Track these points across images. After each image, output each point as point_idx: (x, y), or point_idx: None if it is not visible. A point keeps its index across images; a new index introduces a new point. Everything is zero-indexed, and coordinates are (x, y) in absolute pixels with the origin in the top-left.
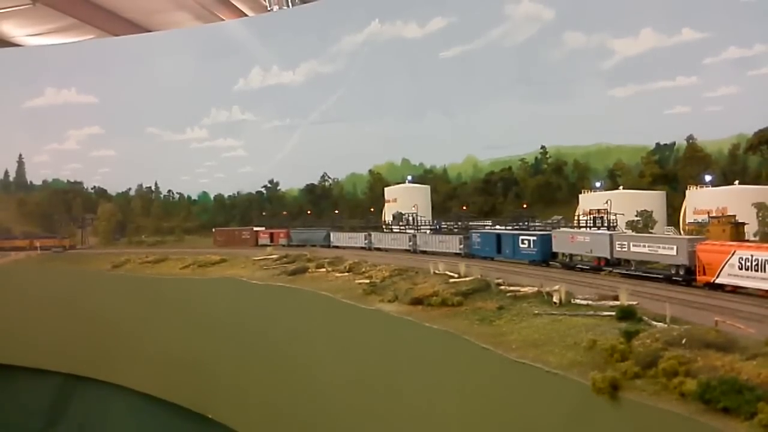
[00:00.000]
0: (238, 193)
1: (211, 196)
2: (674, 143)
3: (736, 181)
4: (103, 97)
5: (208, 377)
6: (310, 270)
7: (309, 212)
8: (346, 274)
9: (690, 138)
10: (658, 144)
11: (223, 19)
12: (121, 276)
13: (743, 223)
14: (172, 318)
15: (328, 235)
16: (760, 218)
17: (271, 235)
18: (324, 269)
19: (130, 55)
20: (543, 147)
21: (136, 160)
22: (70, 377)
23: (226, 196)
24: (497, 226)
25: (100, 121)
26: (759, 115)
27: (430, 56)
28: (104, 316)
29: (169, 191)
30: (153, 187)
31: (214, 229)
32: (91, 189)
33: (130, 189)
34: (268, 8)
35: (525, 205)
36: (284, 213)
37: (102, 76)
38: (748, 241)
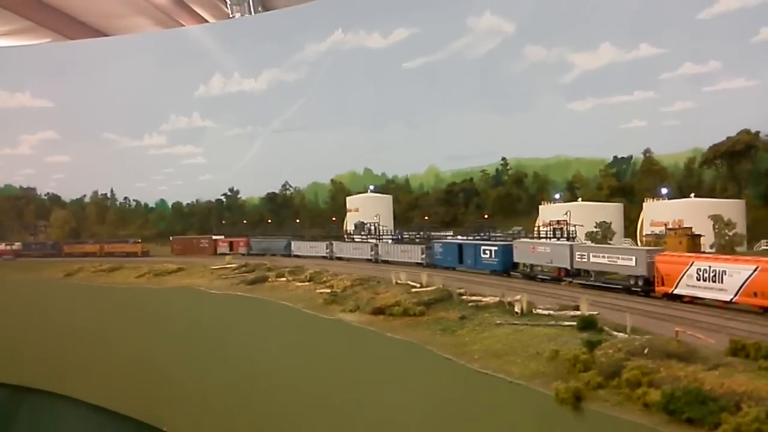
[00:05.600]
0: (197, 200)
1: (169, 204)
2: (631, 156)
3: (692, 194)
4: (58, 101)
5: (164, 389)
6: (270, 279)
7: (269, 221)
8: (307, 283)
9: (647, 151)
10: (615, 157)
11: (183, 25)
12: (73, 285)
13: (699, 235)
14: (126, 328)
15: (289, 244)
16: (716, 230)
17: (231, 244)
18: (284, 279)
19: (87, 60)
20: (504, 159)
21: (92, 166)
22: (19, 389)
23: (184, 203)
24: (459, 237)
25: (55, 126)
26: (714, 129)
27: (393, 67)
28: (56, 326)
29: (126, 198)
30: (109, 194)
31: (171, 238)
32: (45, 195)
33: (84, 196)
34: (230, 15)
35: (486, 216)
36: (244, 221)
37: (57, 81)
38: (704, 252)
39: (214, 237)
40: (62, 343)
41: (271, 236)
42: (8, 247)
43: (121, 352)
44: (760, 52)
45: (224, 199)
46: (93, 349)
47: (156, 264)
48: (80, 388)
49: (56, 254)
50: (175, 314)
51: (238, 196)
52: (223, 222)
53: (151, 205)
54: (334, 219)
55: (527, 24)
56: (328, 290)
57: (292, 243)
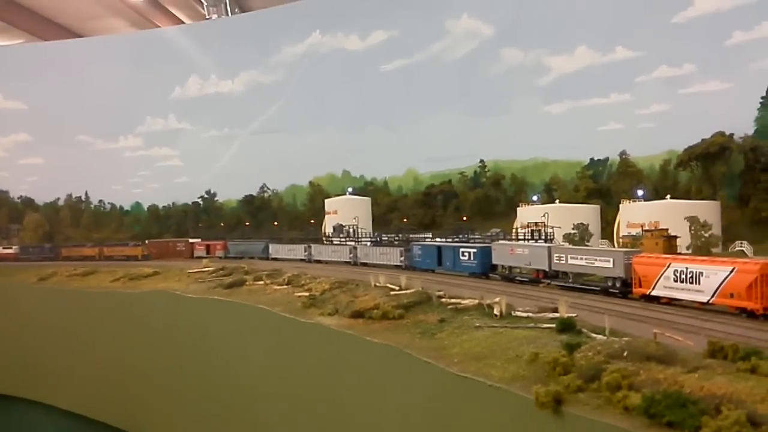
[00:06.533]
0: (173, 203)
1: (145, 207)
2: (608, 159)
3: (668, 196)
4: (32, 103)
5: (140, 395)
6: (247, 283)
7: (247, 224)
8: (285, 286)
9: (623, 153)
10: (592, 159)
11: (159, 27)
12: (47, 289)
13: (675, 237)
14: (101, 333)
15: (267, 247)
16: (693, 232)
17: (208, 247)
18: (262, 282)
19: (62, 61)
20: (482, 161)
21: (66, 168)
22: None
23: (160, 206)
24: (438, 239)
25: (29, 128)
26: (689, 131)
27: (372, 69)
28: (29, 332)
29: (101, 201)
30: (83, 197)
31: (147, 241)
32: (18, 198)
33: (58, 199)
34: (207, 16)
35: (464, 218)
36: (221, 224)
37: (31, 82)
38: (680, 253)
39: (190, 240)
40: (34, 349)
41: (249, 239)
42: (6, 250)
43: (95, 357)
44: (734, 55)
45: (201, 202)
46: (67, 354)
47: (131, 268)
48: (54, 394)
49: (53, 258)
50: (151, 318)
51: (215, 198)
52: (200, 225)
53: (127, 207)
54: (312, 221)
55: (505, 27)
56: (307, 293)
57: (270, 246)
